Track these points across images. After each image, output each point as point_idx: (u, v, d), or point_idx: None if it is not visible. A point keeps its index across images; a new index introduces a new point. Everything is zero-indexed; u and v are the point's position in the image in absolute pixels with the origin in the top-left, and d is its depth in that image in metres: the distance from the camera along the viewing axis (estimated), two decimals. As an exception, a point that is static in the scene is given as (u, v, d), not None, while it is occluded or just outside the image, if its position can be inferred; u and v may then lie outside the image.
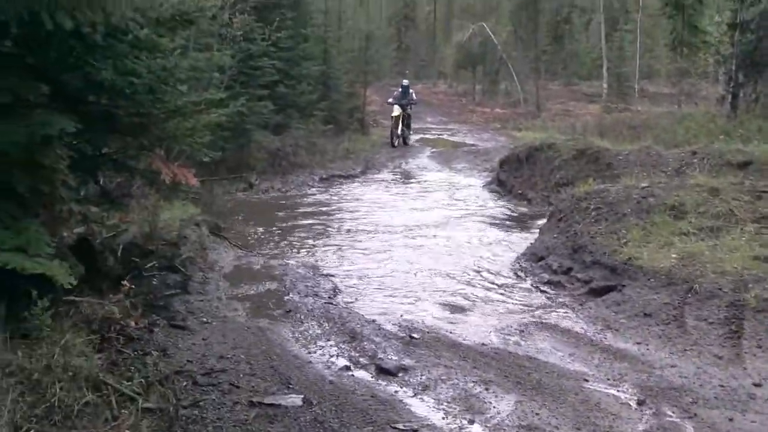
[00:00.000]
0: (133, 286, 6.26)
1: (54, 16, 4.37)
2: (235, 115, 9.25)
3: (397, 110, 23.87)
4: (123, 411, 4.35)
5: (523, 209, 13.84)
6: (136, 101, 5.84)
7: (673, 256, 7.54)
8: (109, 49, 5.48)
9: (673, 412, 5.05)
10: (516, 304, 7.96)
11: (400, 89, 24.81)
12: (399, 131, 24.24)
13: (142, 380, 4.70)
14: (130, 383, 4.61)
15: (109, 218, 7.13)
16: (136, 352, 5.33)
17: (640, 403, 5.21)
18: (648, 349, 6.27)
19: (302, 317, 7.00)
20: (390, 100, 24.85)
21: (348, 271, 9.17)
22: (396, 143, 24.12)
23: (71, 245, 6.36)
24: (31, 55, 5.40)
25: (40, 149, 5.13)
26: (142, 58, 5.75)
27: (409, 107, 24.68)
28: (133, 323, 5.75)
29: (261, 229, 11.55)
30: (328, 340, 6.41)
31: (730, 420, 4.93)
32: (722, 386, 5.48)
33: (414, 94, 25.31)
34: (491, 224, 12.44)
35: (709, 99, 27.22)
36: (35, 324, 4.69)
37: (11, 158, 5.05)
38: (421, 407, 5.13)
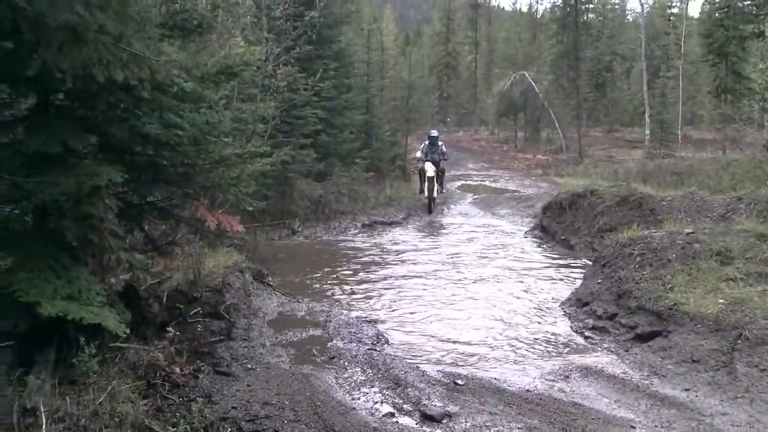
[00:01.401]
0: (178, 333, 6.34)
1: (109, 70, 4.51)
2: (278, 163, 9.36)
3: (431, 170, 20.04)
4: (168, 457, 4.38)
5: (567, 255, 13.70)
6: (181, 152, 5.94)
7: (721, 301, 7.41)
8: (155, 102, 5.60)
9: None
10: (560, 349, 7.88)
11: (428, 141, 21.21)
12: (435, 194, 20.34)
13: (188, 426, 4.73)
14: (175, 429, 4.64)
15: (153, 265, 7.20)
16: (181, 399, 5.36)
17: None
18: (697, 396, 6.14)
19: (346, 363, 6.98)
20: (417, 154, 21.29)
21: (391, 317, 9.15)
22: (433, 209, 20.36)
23: (119, 292, 6.45)
24: (81, 107, 5.56)
25: (88, 199, 5.23)
26: (185, 110, 5.87)
27: (441, 162, 20.82)
28: (178, 369, 5.79)
29: (304, 276, 11.59)
30: (372, 386, 6.38)
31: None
32: (776, 435, 5.35)
33: (444, 146, 21.36)
34: (534, 270, 12.33)
35: (755, 145, 27.00)
36: (83, 370, 4.75)
37: (61, 208, 5.18)
38: (466, 454, 5.09)
